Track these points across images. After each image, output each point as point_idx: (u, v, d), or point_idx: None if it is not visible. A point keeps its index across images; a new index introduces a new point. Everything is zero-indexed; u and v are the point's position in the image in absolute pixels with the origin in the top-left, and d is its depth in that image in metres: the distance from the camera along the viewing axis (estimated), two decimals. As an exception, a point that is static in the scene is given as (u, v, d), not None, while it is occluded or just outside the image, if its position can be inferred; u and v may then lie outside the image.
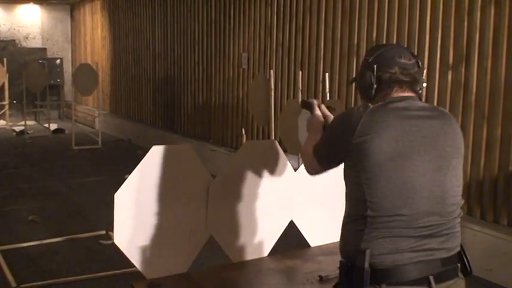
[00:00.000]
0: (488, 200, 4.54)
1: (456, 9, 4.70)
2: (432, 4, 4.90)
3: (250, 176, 2.82)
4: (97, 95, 10.92)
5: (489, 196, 4.54)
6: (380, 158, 1.84)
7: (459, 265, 1.94)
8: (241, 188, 2.80)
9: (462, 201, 1.97)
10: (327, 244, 2.99)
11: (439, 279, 1.85)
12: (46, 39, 14.45)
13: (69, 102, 13.65)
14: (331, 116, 2.32)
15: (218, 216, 2.76)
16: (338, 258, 1.98)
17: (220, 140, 8.08)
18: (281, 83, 6.74)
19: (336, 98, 5.88)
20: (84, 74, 9.74)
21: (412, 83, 1.98)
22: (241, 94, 7.58)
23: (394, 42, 5.23)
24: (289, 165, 2.96)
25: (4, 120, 12.44)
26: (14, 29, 14.01)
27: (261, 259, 2.87)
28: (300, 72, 6.16)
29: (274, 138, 5.80)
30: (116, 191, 2.47)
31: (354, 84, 2.15)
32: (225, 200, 2.78)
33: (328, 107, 2.37)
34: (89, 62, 11.87)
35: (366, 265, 1.83)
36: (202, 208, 2.71)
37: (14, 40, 13.97)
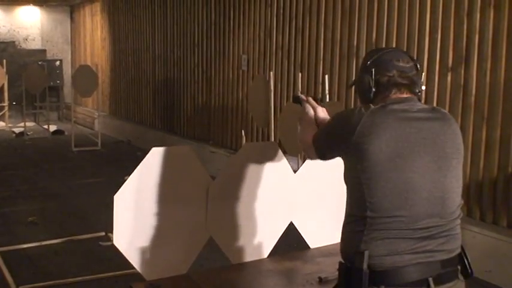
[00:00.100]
0: (488, 201, 4.54)
1: (455, 11, 4.71)
2: (432, 6, 4.91)
3: (249, 178, 2.82)
4: (97, 97, 10.92)
5: (488, 197, 4.54)
6: (380, 159, 1.84)
7: (459, 267, 1.94)
8: (241, 189, 2.80)
9: (462, 202, 1.97)
10: (326, 245, 2.99)
11: (439, 281, 1.85)
12: (46, 40, 14.45)
13: (68, 103, 13.64)
14: (318, 107, 2.34)
15: (218, 218, 2.76)
16: (337, 259, 1.98)
17: (219, 142, 8.08)
18: (281, 84, 6.74)
19: (336, 99, 5.88)
20: (84, 76, 9.74)
21: (411, 86, 2.00)
22: (240, 96, 7.58)
23: (394, 43, 5.24)
24: (288, 166, 2.96)
25: (3, 121, 12.44)
26: (14, 31, 14.01)
27: (260, 260, 2.87)
28: (300, 74, 6.17)
29: (274, 139, 5.80)
30: (116, 192, 2.47)
31: (353, 87, 2.15)
32: (224, 202, 2.78)
33: (315, 99, 2.40)
34: (89, 63, 11.86)
35: (365, 266, 1.83)
36: (202, 209, 2.71)
37: (14, 42, 13.97)
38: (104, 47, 12.53)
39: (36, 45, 14.28)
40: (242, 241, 2.83)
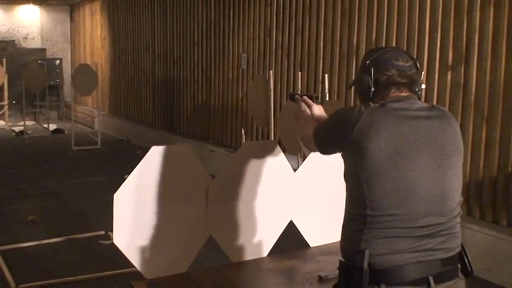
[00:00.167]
0: (488, 200, 4.55)
1: (455, 10, 4.71)
2: (431, 5, 4.91)
3: (249, 176, 2.82)
4: (96, 96, 10.92)
5: (488, 196, 4.54)
6: (379, 157, 1.85)
7: (459, 265, 1.94)
8: (241, 188, 2.80)
9: (461, 199, 1.98)
10: (326, 244, 2.99)
11: (439, 279, 1.86)
12: (45, 39, 14.44)
13: (68, 102, 13.64)
14: (314, 105, 2.37)
15: (217, 216, 2.76)
16: (337, 258, 1.98)
17: (219, 141, 8.08)
18: (280, 83, 6.74)
19: (336, 98, 5.88)
20: (84, 75, 9.74)
21: (410, 84, 2.00)
22: (240, 95, 7.58)
23: (394, 42, 5.24)
24: (288, 165, 2.96)
25: (3, 120, 12.44)
26: (14, 30, 14.01)
27: (260, 259, 2.87)
28: (300, 73, 6.17)
29: (274, 138, 5.80)
30: (115, 191, 2.47)
31: (352, 88, 2.16)
32: (224, 200, 2.78)
33: (310, 97, 2.42)
34: (89, 62, 11.86)
35: (365, 265, 1.83)
36: (202, 208, 2.71)
37: (14, 40, 13.97)
38: (103, 46, 12.53)
39: (36, 44, 14.28)
40: (242, 240, 2.84)
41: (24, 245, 4.99)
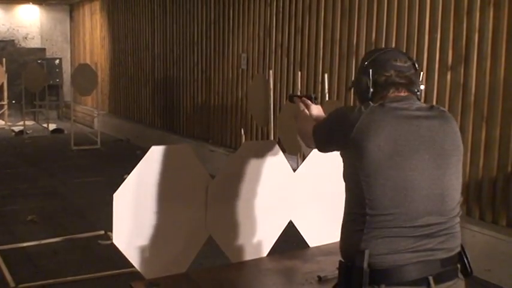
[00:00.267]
0: (487, 200, 4.55)
1: (455, 10, 4.71)
2: (431, 5, 4.91)
3: (249, 176, 2.82)
4: (96, 95, 10.92)
5: (488, 197, 4.54)
6: (378, 156, 1.85)
7: (459, 266, 1.94)
8: (240, 188, 2.80)
9: (461, 199, 1.98)
10: (326, 244, 2.99)
11: (439, 280, 1.86)
12: (45, 39, 14.44)
13: (68, 102, 13.64)
14: (312, 105, 2.39)
15: (217, 217, 2.76)
16: (337, 258, 1.98)
17: (219, 140, 8.08)
18: (280, 83, 6.74)
19: (335, 98, 5.88)
20: (83, 74, 9.73)
21: (409, 85, 2.00)
22: (240, 94, 7.58)
23: (393, 42, 5.24)
24: (288, 165, 2.96)
25: (3, 120, 12.43)
26: (13, 29, 14.01)
27: (260, 259, 2.87)
28: (299, 73, 6.17)
29: (274, 138, 5.80)
30: (115, 191, 2.47)
31: (352, 89, 2.17)
32: (224, 200, 2.78)
33: (309, 97, 2.44)
34: (88, 62, 11.86)
35: (365, 265, 1.83)
36: (201, 208, 2.71)
37: (13, 40, 13.97)
38: (103, 46, 12.53)
39: (35, 43, 14.28)
40: (241, 240, 2.83)
41: (24, 244, 4.98)
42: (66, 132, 11.41)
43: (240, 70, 7.56)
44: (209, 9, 8.22)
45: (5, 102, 12.30)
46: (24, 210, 6.06)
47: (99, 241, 5.02)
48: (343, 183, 1.99)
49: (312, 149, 2.30)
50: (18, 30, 14.06)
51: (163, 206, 2.60)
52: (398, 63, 2.00)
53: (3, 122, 12.39)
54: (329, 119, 2.10)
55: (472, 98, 4.60)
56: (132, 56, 10.99)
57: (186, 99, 9.03)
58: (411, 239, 1.85)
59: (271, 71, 6.14)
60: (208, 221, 2.73)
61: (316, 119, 2.28)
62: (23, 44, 14.11)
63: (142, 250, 2.56)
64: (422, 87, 2.07)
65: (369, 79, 2.01)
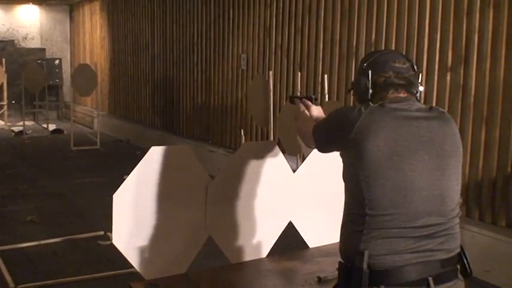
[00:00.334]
0: (487, 201, 4.55)
1: (455, 11, 4.71)
2: (431, 6, 4.91)
3: (248, 177, 2.82)
4: (96, 96, 10.92)
5: (487, 197, 4.54)
6: (378, 157, 1.85)
7: (459, 266, 1.95)
8: (240, 188, 2.80)
9: (461, 200, 1.98)
10: (325, 245, 2.99)
11: (438, 280, 1.86)
12: (45, 39, 14.44)
13: (67, 102, 13.65)
14: (313, 106, 2.40)
15: (217, 217, 2.76)
16: (337, 259, 1.98)
17: (219, 141, 8.08)
18: (280, 84, 6.74)
19: (335, 99, 5.88)
20: (83, 75, 9.73)
21: (408, 86, 2.01)
22: (240, 95, 7.58)
23: (393, 43, 5.24)
24: (287, 166, 2.96)
25: (3, 120, 12.42)
26: (13, 30, 14.01)
27: (259, 260, 2.87)
28: (299, 74, 6.17)
29: (273, 139, 5.80)
30: (115, 191, 2.47)
31: (351, 92, 2.18)
32: (223, 201, 2.78)
33: (309, 98, 2.45)
34: (88, 62, 11.86)
35: (365, 266, 1.83)
36: (201, 209, 2.71)
37: (13, 40, 13.97)
38: (103, 46, 12.53)
39: (35, 44, 14.28)
40: (241, 240, 2.83)
41: (23, 245, 4.98)
42: (65, 132, 11.41)
43: (240, 71, 7.56)
44: (209, 10, 8.22)
45: (5, 102, 12.29)
46: (23, 211, 6.06)
47: (99, 241, 5.02)
48: (343, 184, 2.00)
49: (312, 149, 2.31)
50: (18, 30, 14.06)
51: (163, 207, 2.60)
52: (397, 65, 2.02)
53: (2, 122, 12.39)
54: (329, 119, 2.10)
55: (472, 99, 4.61)
56: (131, 57, 10.99)
57: (186, 100, 9.03)
58: (411, 239, 1.85)
59: (271, 72, 6.14)
60: (208, 221, 2.73)
61: (317, 120, 2.28)
62: (23, 44, 14.11)
63: (142, 250, 2.56)
64: (421, 88, 2.08)
65: (368, 80, 2.02)
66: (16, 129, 11.84)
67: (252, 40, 7.29)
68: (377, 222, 1.86)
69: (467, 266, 1.95)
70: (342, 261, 1.95)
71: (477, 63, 4.56)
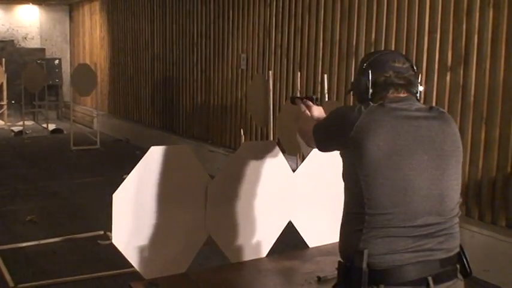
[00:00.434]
0: (487, 201, 4.55)
1: (455, 11, 4.71)
2: (431, 6, 4.91)
3: (248, 177, 2.82)
4: (95, 96, 10.91)
5: (487, 197, 4.54)
6: (377, 156, 1.85)
7: (458, 266, 1.95)
8: (240, 188, 2.80)
9: (460, 200, 1.98)
10: (325, 245, 2.99)
11: (438, 280, 1.86)
12: (45, 39, 14.44)
13: (67, 102, 13.64)
14: (314, 106, 2.40)
15: (216, 217, 2.76)
16: (336, 258, 1.98)
17: (218, 141, 8.08)
18: (280, 83, 6.74)
19: (335, 99, 5.88)
20: (83, 75, 9.73)
21: (408, 86, 2.02)
22: (239, 95, 7.58)
23: (393, 43, 5.24)
24: (287, 165, 2.96)
25: (2, 120, 12.43)
26: (13, 29, 14.00)
27: (259, 260, 2.87)
28: (299, 73, 6.17)
29: (273, 138, 5.80)
30: (114, 191, 2.47)
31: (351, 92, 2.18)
32: (223, 201, 2.78)
33: (310, 99, 2.45)
34: (88, 62, 11.85)
35: (364, 265, 1.83)
36: (201, 208, 2.71)
37: (13, 40, 13.96)
38: (102, 46, 12.53)
39: (35, 44, 14.28)
40: (241, 240, 2.84)
41: (23, 245, 4.98)
42: (65, 132, 11.41)
43: (240, 70, 7.56)
44: (209, 10, 8.22)
45: (5, 102, 12.30)
46: (23, 210, 6.06)
47: (99, 241, 5.02)
48: (342, 184, 2.00)
49: (313, 148, 2.31)
50: (17, 30, 14.06)
51: (162, 206, 2.60)
52: (397, 65, 2.02)
53: (2, 122, 12.39)
54: (329, 118, 2.10)
55: (472, 98, 4.61)
56: (131, 56, 10.99)
57: (186, 100, 9.03)
58: (410, 238, 1.85)
59: (270, 72, 6.14)
60: (207, 221, 2.73)
61: (317, 120, 2.29)
62: (23, 44, 14.11)
63: (142, 250, 2.56)
64: (421, 88, 2.08)
65: (368, 80, 2.02)
66: (16, 129, 11.84)
67: (251, 40, 7.29)
68: (376, 222, 1.86)
69: (466, 265, 1.96)
70: (342, 260, 1.95)
71: (477, 63, 4.57)
